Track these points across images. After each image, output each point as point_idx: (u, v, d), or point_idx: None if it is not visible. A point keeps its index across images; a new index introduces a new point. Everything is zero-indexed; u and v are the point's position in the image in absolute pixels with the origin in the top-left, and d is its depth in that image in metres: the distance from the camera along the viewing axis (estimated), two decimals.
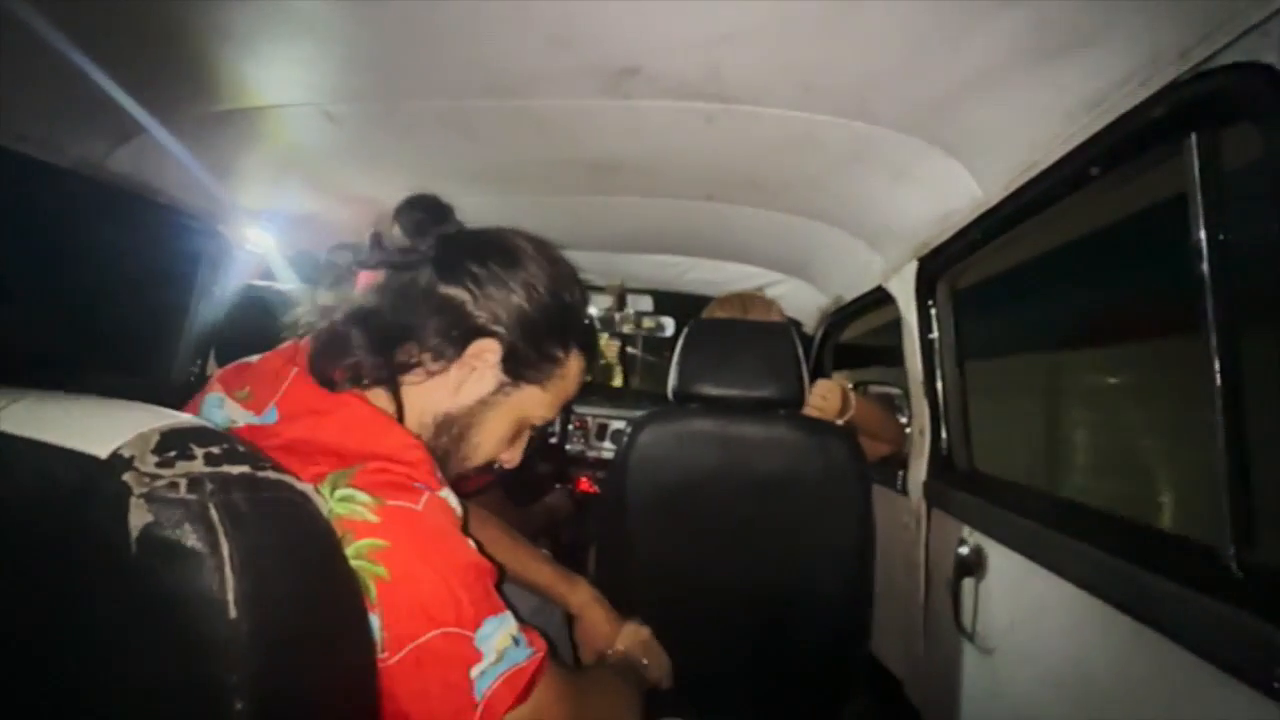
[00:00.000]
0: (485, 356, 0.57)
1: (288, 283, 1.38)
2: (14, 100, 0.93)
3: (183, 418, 0.37)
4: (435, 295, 0.56)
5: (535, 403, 0.61)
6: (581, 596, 0.92)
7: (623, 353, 2.32)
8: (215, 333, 1.34)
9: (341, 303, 0.56)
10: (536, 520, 1.66)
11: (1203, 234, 0.57)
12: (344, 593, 0.41)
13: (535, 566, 0.94)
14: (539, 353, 0.59)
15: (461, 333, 0.56)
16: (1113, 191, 0.71)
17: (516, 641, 0.50)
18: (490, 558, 0.55)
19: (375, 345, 0.54)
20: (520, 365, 0.58)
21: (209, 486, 0.34)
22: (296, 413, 0.51)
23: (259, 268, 1.39)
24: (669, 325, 2.06)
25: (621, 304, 2.08)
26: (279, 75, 0.98)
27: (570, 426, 2.18)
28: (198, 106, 1.04)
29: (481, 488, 1.28)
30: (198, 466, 0.34)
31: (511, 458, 0.64)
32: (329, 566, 0.40)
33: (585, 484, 2.14)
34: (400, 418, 0.56)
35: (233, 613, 0.33)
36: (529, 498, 1.78)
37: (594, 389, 2.37)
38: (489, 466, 0.64)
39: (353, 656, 0.41)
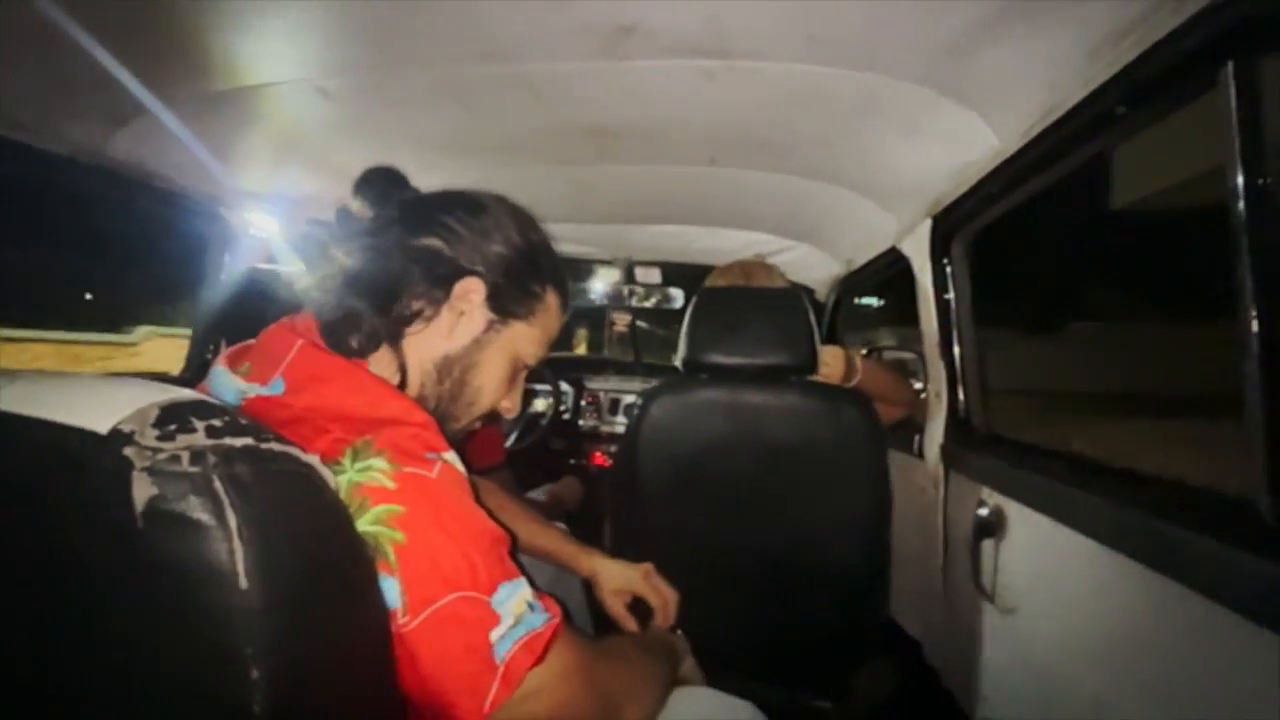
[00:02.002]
0: (471, 297, 0.59)
1: (291, 264, 1.38)
2: (8, 88, 0.92)
3: (182, 392, 0.36)
4: (411, 248, 0.58)
5: (525, 339, 0.63)
6: (593, 558, 0.93)
7: (632, 326, 2.31)
8: (225, 316, 1.34)
9: (329, 276, 0.58)
10: (544, 510, 1.67)
11: (1240, 178, 0.54)
12: (354, 559, 0.41)
13: (545, 535, 0.95)
14: (520, 289, 0.62)
15: (445, 274, 0.58)
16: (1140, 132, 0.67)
17: (532, 607, 0.50)
18: (504, 526, 0.55)
19: (375, 305, 0.56)
20: (505, 302, 0.61)
21: (211, 459, 0.33)
22: (302, 382, 0.51)
23: (264, 251, 1.38)
24: (678, 297, 2.04)
25: (630, 277, 2.06)
26: (271, 50, 0.96)
27: (582, 402, 2.18)
28: (192, 87, 1.02)
29: (491, 467, 1.28)
30: (199, 439, 0.34)
31: (511, 404, 0.66)
32: (337, 535, 0.40)
33: (599, 459, 2.15)
34: (404, 373, 0.58)
35: (243, 583, 0.33)
36: (542, 476, 1.79)
37: (605, 363, 2.37)
38: (493, 416, 0.65)
39: (366, 622, 0.41)
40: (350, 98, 1.09)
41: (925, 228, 1.16)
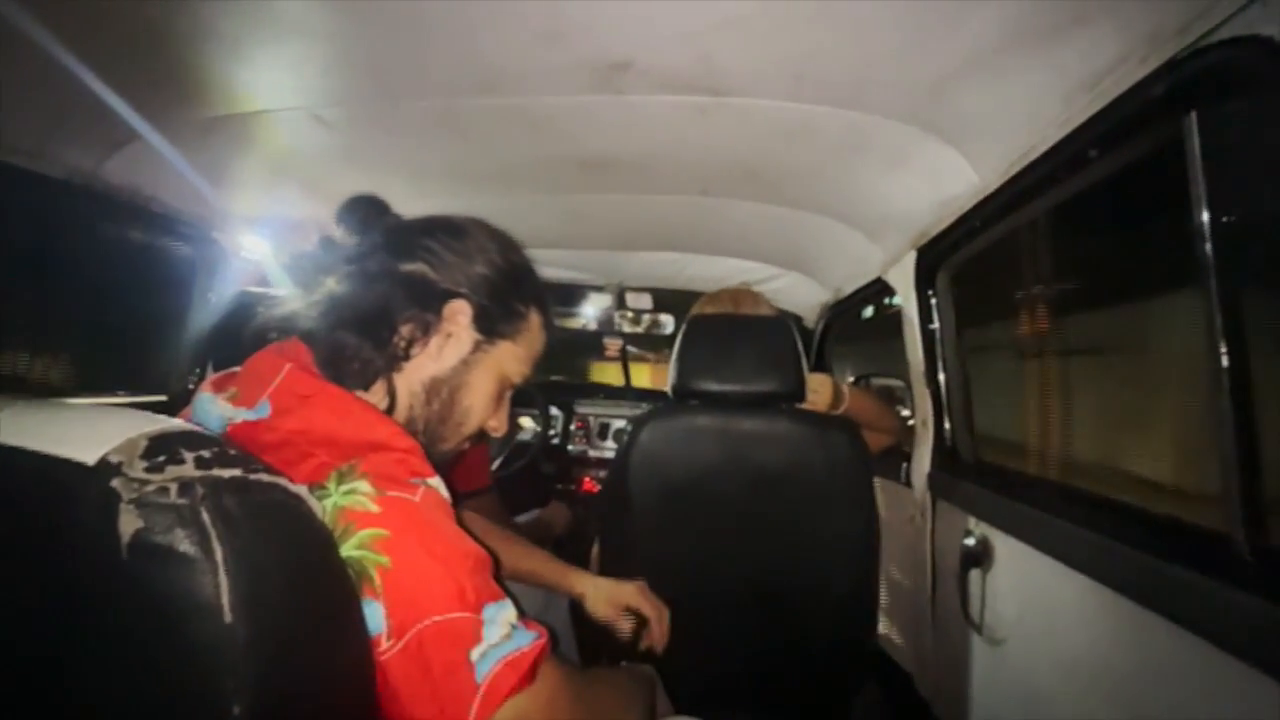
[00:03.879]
0: (458, 319, 0.60)
1: (283, 288, 1.38)
2: (4, 112, 0.93)
3: (172, 422, 0.36)
4: (397, 274, 0.59)
5: (511, 358, 0.64)
6: (582, 577, 0.94)
7: (623, 352, 2.32)
8: (212, 340, 1.34)
9: (317, 303, 0.58)
10: (532, 535, 1.66)
11: (1205, 215, 0.56)
12: (339, 591, 0.41)
13: (532, 558, 0.94)
14: (505, 309, 0.63)
15: (433, 298, 0.59)
16: (1112, 174, 0.70)
17: (516, 627, 0.50)
18: (488, 549, 0.55)
19: (372, 340, 0.57)
20: (491, 322, 0.62)
21: (200, 490, 0.33)
22: (289, 406, 0.51)
23: (255, 274, 1.38)
24: (668, 323, 2.06)
25: (621, 303, 2.07)
26: (268, 79, 0.97)
27: (572, 427, 2.18)
28: (189, 112, 1.03)
29: (476, 491, 1.27)
30: (188, 470, 0.34)
31: (498, 424, 0.67)
32: (324, 566, 0.40)
33: (589, 484, 2.13)
34: (393, 398, 0.58)
35: (228, 617, 0.32)
36: (531, 501, 1.78)
37: (595, 389, 2.37)
38: (481, 436, 0.66)
39: (349, 653, 0.41)
40: (347, 126, 1.10)
41: (910, 259, 1.18)
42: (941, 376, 1.18)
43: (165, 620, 0.32)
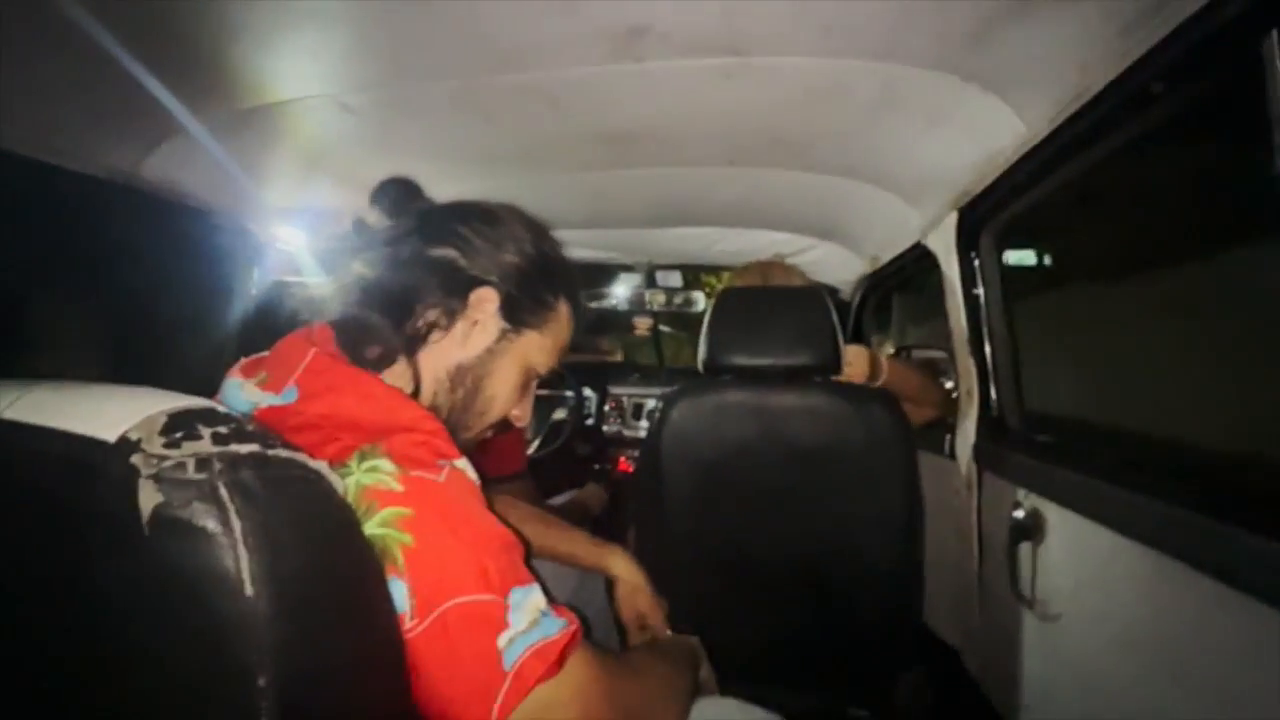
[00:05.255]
0: (485, 306, 0.60)
1: (318, 278, 1.40)
2: (44, 112, 0.96)
3: (191, 400, 0.37)
4: (427, 259, 0.59)
5: (537, 348, 0.64)
6: (618, 560, 0.92)
7: (655, 330, 2.30)
8: (248, 332, 1.37)
9: (345, 287, 0.59)
10: (568, 516, 1.67)
11: None
12: (362, 566, 0.41)
13: (569, 540, 0.94)
14: (533, 298, 0.62)
15: (460, 284, 0.59)
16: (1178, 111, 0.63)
17: (545, 614, 0.49)
18: (519, 533, 0.54)
19: (394, 318, 0.57)
20: (518, 311, 0.62)
21: (217, 465, 0.33)
22: (316, 391, 0.51)
23: (290, 265, 1.41)
24: (699, 300, 2.02)
25: (651, 281, 2.05)
26: (292, 68, 0.98)
27: (606, 407, 2.18)
28: (220, 107, 1.05)
29: (512, 475, 1.28)
30: (205, 446, 0.34)
31: (522, 413, 0.67)
32: (345, 541, 0.40)
33: (624, 464, 2.14)
34: (417, 383, 0.58)
35: (249, 589, 0.32)
36: (567, 482, 1.79)
37: (628, 368, 2.36)
38: (505, 425, 0.66)
39: (376, 629, 0.41)
40: (372, 112, 1.11)
41: (951, 221, 1.12)
42: (987, 343, 1.12)
43: (187, 595, 0.32)
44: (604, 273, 2.11)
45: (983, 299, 1.12)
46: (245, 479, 0.34)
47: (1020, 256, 1.12)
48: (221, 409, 0.38)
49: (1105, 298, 1.11)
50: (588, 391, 2.14)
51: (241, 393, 0.53)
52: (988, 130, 0.90)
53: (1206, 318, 0.90)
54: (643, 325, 2.20)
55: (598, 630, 1.02)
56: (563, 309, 0.65)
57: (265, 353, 0.58)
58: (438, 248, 0.59)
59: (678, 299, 2.04)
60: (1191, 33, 0.54)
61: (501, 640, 0.46)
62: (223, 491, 0.33)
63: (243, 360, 0.58)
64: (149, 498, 0.32)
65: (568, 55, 0.91)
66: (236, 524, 0.33)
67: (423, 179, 0.68)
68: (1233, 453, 0.75)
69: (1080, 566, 0.81)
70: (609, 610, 1.13)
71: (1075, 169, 0.82)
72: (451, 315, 0.59)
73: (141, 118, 1.00)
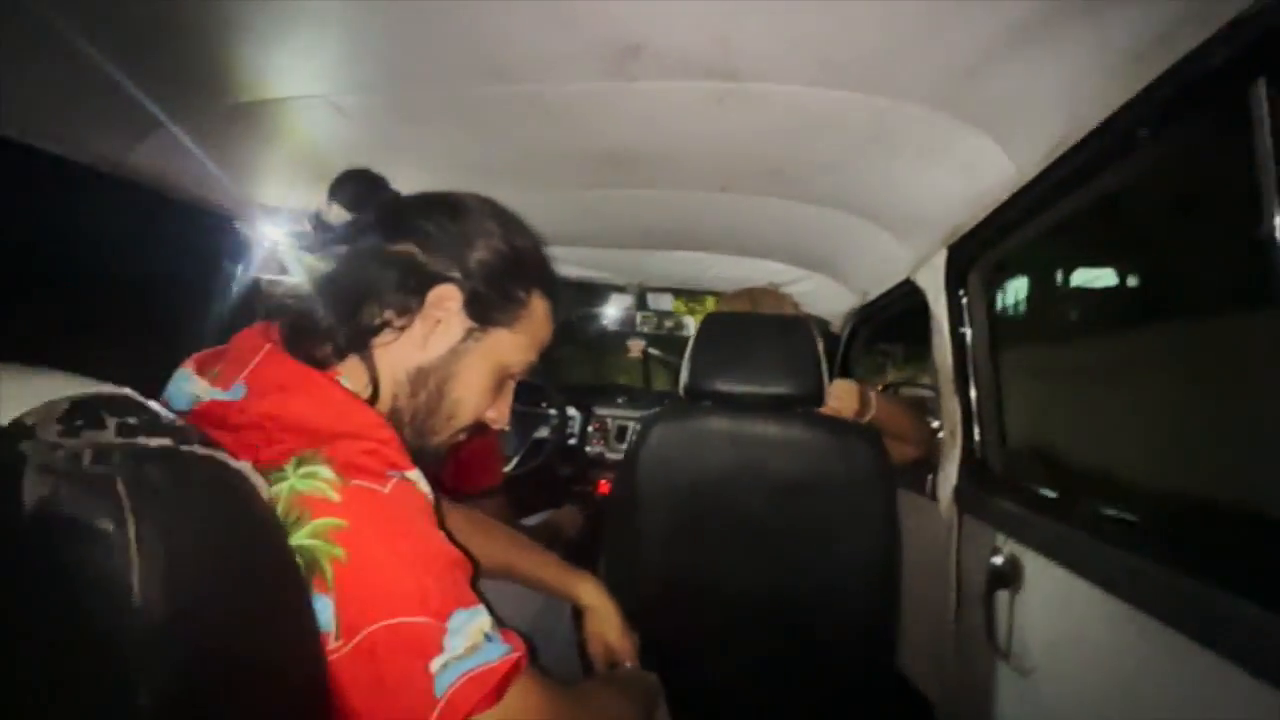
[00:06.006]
0: (447, 304, 0.56)
1: (301, 277, 1.39)
2: (34, 97, 0.95)
3: (103, 387, 0.34)
4: (385, 254, 0.56)
5: (508, 347, 0.60)
6: (588, 591, 0.88)
7: (645, 353, 2.28)
8: (227, 329, 1.35)
9: (299, 283, 0.56)
10: (540, 538, 1.63)
11: (1276, 203, 0.49)
12: (282, 578, 0.38)
13: (537, 562, 0.90)
14: (500, 294, 0.58)
15: (417, 282, 0.55)
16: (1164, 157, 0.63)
17: (489, 638, 0.46)
18: (468, 553, 0.51)
19: (341, 314, 0.54)
20: (484, 308, 0.58)
21: (117, 458, 0.31)
22: (265, 389, 0.49)
23: (275, 264, 1.39)
24: (690, 324, 2.01)
25: (642, 303, 2.04)
26: (286, 66, 0.97)
27: (590, 428, 2.15)
28: (211, 101, 1.04)
29: (485, 491, 1.25)
30: (107, 437, 0.31)
31: (499, 415, 0.63)
32: (264, 550, 0.37)
33: (605, 487, 2.10)
34: (375, 385, 0.55)
35: (137, 599, 0.30)
36: (544, 502, 1.75)
37: (614, 390, 2.33)
38: (480, 428, 0.62)
39: (291, 648, 0.38)
40: (364, 115, 1.10)
41: (940, 258, 1.12)
42: (972, 384, 1.11)
43: (70, 598, 0.29)
44: (594, 292, 2.09)
45: (969, 339, 1.11)
46: (148, 475, 0.31)
47: (1011, 293, 1.11)
48: (137, 399, 0.35)
49: (1091, 344, 1.10)
50: (571, 411, 2.11)
51: (186, 385, 0.51)
52: (979, 168, 0.90)
53: (1195, 369, 0.88)
54: (636, 348, 2.18)
55: (561, 661, 0.98)
56: (537, 305, 0.62)
57: (222, 347, 0.55)
58: (397, 243, 0.56)
59: (668, 322, 2.03)
60: (1179, 78, 0.53)
61: (434, 665, 0.43)
62: (120, 487, 0.30)
63: (199, 353, 0.55)
64: (34, 489, 0.29)
65: (562, 70, 0.90)
66: (131, 524, 0.30)
67: (413, 186, 0.66)
68: (1219, 508, 0.73)
69: (1057, 619, 0.78)
70: (574, 640, 1.08)
71: (1065, 210, 0.82)
72: (407, 314, 0.55)
73: (129, 107, 0.99)
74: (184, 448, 0.34)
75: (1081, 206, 0.79)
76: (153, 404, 0.36)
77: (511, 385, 0.64)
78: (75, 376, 0.35)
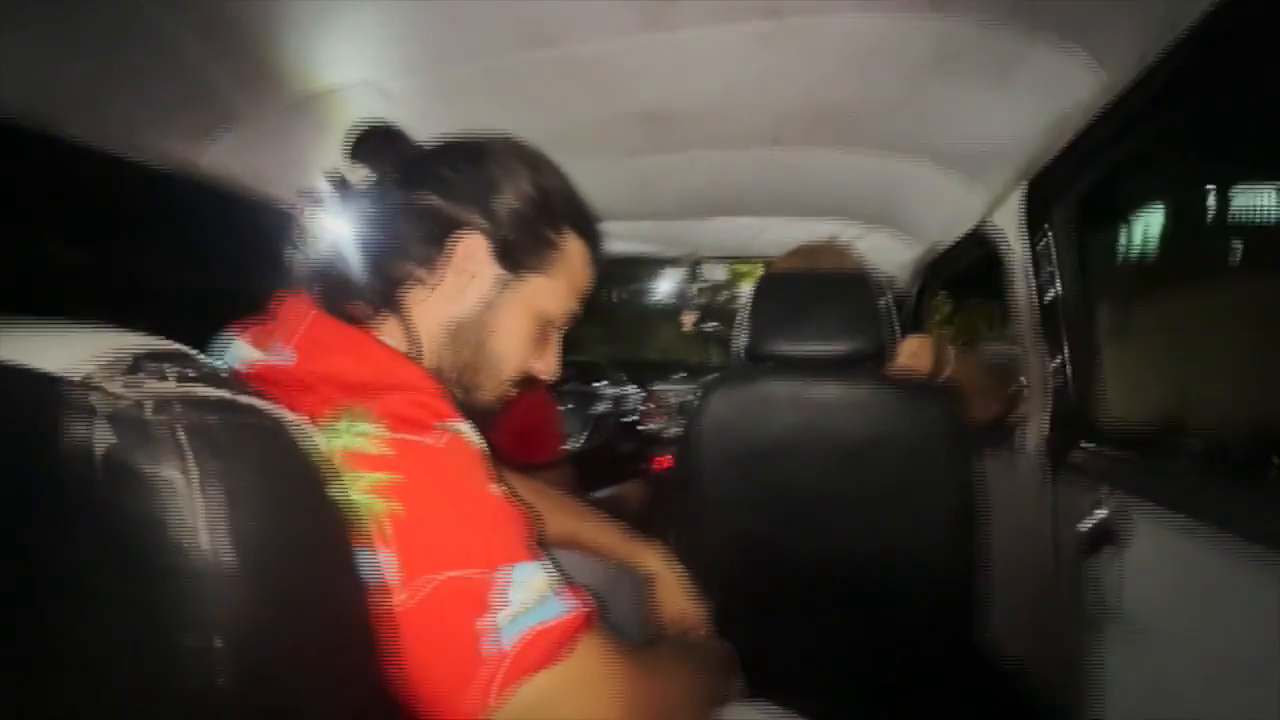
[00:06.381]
0: (476, 255, 0.54)
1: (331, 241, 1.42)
2: (102, 106, 1.01)
3: (163, 343, 0.35)
4: (407, 208, 0.54)
5: (546, 293, 0.58)
6: (655, 558, 0.86)
7: (698, 326, 2.24)
8: None
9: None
10: (608, 510, 1.64)
11: None
12: (336, 529, 0.38)
13: (602, 530, 0.88)
14: (531, 238, 0.56)
15: (440, 232, 0.54)
16: None
17: (556, 592, 0.45)
18: (532, 509, 0.51)
19: (371, 274, 0.53)
20: (515, 255, 0.55)
21: (178, 408, 0.31)
22: (313, 352, 0.49)
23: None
24: (745, 294, 1.96)
25: (695, 275, 2.00)
26: (333, 55, 0.99)
27: (649, 405, 2.14)
28: (268, 96, 1.08)
29: (551, 462, 1.26)
30: (168, 387, 0.32)
31: (547, 366, 0.61)
32: (318, 500, 0.37)
33: (666, 462, 2.09)
34: (418, 344, 0.54)
35: (204, 541, 0.30)
36: (610, 479, 1.76)
37: (672, 365, 2.31)
38: (530, 381, 0.61)
39: (347, 596, 0.38)
40: (409, 99, 1.11)
41: (1017, 196, 1.02)
42: (1063, 330, 1.01)
43: (140, 543, 0.30)
44: (646, 267, 2.07)
45: (1058, 281, 1.01)
46: (208, 424, 0.32)
47: (1102, 230, 1.00)
48: (196, 355, 0.35)
49: (1200, 279, 0.98)
50: (630, 387, 2.10)
51: (234, 349, 0.52)
52: (1060, 85, 0.81)
53: None
54: (688, 320, 2.15)
55: (629, 633, 0.97)
56: (572, 246, 0.58)
57: (267, 317, 0.55)
58: (418, 194, 0.54)
59: (723, 294, 1.98)
60: None
61: (499, 619, 0.42)
62: (181, 435, 0.30)
63: (244, 320, 0.55)
64: (103, 439, 0.30)
65: (596, 26, 0.88)
66: (195, 471, 0.30)
67: None
68: None
69: (1172, 573, 0.71)
70: (640, 613, 1.08)
71: (1166, 122, 0.72)
72: (434, 267, 0.54)
73: (192, 108, 1.03)
74: (239, 398, 0.34)
75: (1188, 115, 0.69)
76: (209, 359, 0.36)
77: (557, 336, 0.62)
78: (134, 334, 0.35)
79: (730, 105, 1.10)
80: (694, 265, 1.97)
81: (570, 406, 2.01)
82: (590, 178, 1.48)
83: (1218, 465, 0.65)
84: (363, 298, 0.53)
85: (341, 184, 0.59)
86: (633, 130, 1.21)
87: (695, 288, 2.01)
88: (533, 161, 0.58)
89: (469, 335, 0.56)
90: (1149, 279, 1.13)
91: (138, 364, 0.32)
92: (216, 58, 0.95)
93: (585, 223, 0.60)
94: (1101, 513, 0.80)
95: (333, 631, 0.36)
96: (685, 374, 2.23)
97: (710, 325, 2.27)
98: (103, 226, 1.10)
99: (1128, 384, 0.99)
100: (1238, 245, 1.00)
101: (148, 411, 0.30)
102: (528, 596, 0.43)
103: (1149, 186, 0.94)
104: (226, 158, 1.20)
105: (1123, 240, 1.11)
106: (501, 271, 0.55)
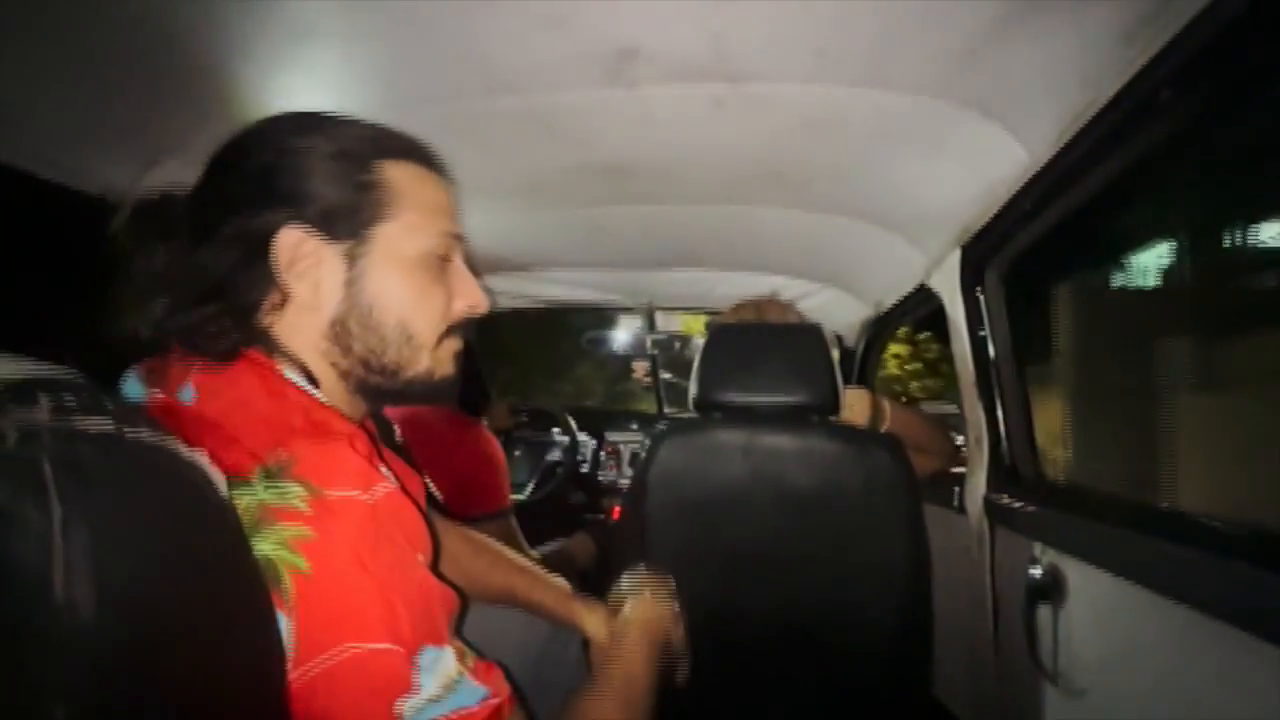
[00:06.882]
0: (301, 247, 0.47)
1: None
2: (42, 125, 0.96)
3: (55, 371, 0.31)
4: (211, 241, 0.47)
5: (402, 234, 0.50)
6: (593, 618, 0.82)
7: (654, 375, 2.24)
8: None
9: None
10: (552, 566, 1.59)
11: None
12: (237, 585, 0.34)
13: (541, 589, 0.84)
14: (344, 195, 0.48)
15: (255, 246, 0.47)
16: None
17: (463, 681, 0.41)
18: (456, 589, 0.47)
19: (225, 318, 0.47)
20: (340, 220, 0.48)
21: (46, 439, 0.28)
22: (216, 389, 0.45)
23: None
24: (699, 345, 1.98)
25: (651, 325, 2.02)
26: (289, 89, 0.98)
27: (602, 454, 2.10)
28: (211, 126, 1.05)
29: (494, 513, 1.21)
30: (38, 416, 0.28)
31: (469, 299, 0.54)
32: (217, 551, 0.33)
33: (618, 514, 2.04)
34: (304, 368, 0.49)
35: (59, 594, 0.26)
36: (559, 530, 1.70)
37: (626, 415, 2.30)
38: (459, 327, 0.54)
39: (243, 664, 0.34)
40: None
41: (954, 259, 1.08)
42: (996, 387, 1.05)
43: None
44: (603, 316, 2.08)
45: (990, 340, 1.06)
46: (81, 458, 0.28)
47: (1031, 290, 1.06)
48: (84, 382, 0.32)
49: (1127, 336, 1.04)
50: (583, 436, 2.07)
51: (136, 388, 0.47)
52: (987, 159, 0.87)
53: (1251, 342, 0.83)
54: (640, 369, 2.15)
55: (566, 686, 0.92)
56: (394, 174, 0.50)
57: (168, 352, 0.49)
58: (214, 222, 0.47)
59: (678, 343, 2.00)
60: (1204, 28, 0.50)
61: (406, 707, 0.38)
62: (45, 469, 0.27)
63: (145, 361, 0.49)
64: None
65: (559, 77, 0.90)
66: (56, 510, 0.27)
67: None
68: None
69: (1108, 631, 0.71)
70: (581, 669, 1.02)
71: (1082, 194, 0.78)
72: (271, 284, 0.47)
73: (133, 136, 1.00)
74: (129, 432, 0.31)
75: (1102, 188, 0.75)
76: (101, 392, 0.33)
77: (457, 265, 0.54)
78: (31, 362, 0.32)
79: (686, 162, 1.13)
80: (650, 314, 1.99)
81: (518, 454, 1.95)
82: (548, 226, 1.50)
83: (1147, 523, 0.67)
84: (212, 334, 0.46)
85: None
86: (592, 181, 1.24)
87: (650, 338, 2.02)
88: (298, 124, 0.51)
89: (352, 325, 0.49)
90: (1072, 340, 1.19)
91: (13, 391, 0.29)
92: (169, 84, 0.93)
93: (396, 143, 0.53)
94: (1037, 570, 0.81)
95: (220, 705, 0.31)
96: (639, 424, 2.21)
97: (665, 376, 2.28)
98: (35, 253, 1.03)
99: (1058, 441, 1.03)
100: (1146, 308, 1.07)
101: (9, 442, 0.27)
102: (439, 681, 0.40)
103: (1073, 254, 1.01)
104: (169, 186, 1.16)
105: (1052, 302, 1.18)
106: (339, 244, 0.48)
